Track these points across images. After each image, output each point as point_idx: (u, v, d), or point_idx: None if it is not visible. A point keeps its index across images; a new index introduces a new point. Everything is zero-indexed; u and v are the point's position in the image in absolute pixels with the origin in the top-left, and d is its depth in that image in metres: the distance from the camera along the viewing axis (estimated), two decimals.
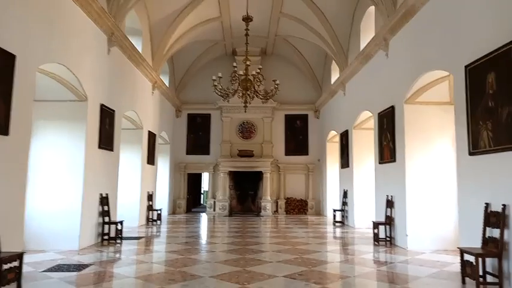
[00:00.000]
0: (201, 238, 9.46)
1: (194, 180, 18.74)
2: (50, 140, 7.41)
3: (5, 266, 4.33)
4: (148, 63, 11.53)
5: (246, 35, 9.91)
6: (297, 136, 16.75)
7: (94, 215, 8.04)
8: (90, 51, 7.74)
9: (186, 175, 16.67)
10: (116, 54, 9.13)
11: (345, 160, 12.21)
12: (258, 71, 9.43)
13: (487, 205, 4.97)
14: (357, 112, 11.01)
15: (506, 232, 4.63)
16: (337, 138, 13.43)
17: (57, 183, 7.32)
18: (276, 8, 12.60)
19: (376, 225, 8.22)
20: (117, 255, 7.01)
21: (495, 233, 4.79)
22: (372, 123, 9.80)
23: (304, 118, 16.84)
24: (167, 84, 14.71)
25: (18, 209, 5.40)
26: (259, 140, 16.32)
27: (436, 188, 7.49)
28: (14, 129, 5.14)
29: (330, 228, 11.37)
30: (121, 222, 8.47)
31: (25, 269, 5.40)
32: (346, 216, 11.96)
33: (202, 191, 22.78)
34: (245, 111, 11.04)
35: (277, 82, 9.89)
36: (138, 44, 10.88)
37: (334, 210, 12.28)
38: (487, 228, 4.93)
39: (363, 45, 10.48)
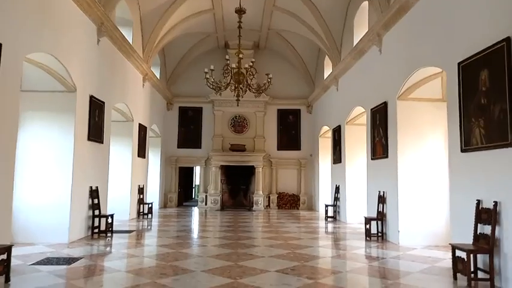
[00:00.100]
0: (193, 232, 9.42)
1: (186, 174, 18.64)
2: (38, 131, 7.27)
3: None
4: (139, 55, 11.37)
5: (239, 27, 9.81)
6: (290, 131, 16.73)
7: (84, 208, 7.93)
8: (79, 41, 7.58)
9: (178, 169, 16.56)
10: (105, 45, 8.97)
11: (337, 155, 12.23)
12: (251, 64, 9.36)
13: (479, 202, 5.00)
14: (349, 107, 11.01)
15: (497, 229, 4.66)
16: (330, 134, 13.44)
17: (46, 176, 7.19)
18: (269, 1, 12.49)
19: (368, 220, 8.26)
20: (108, 249, 6.94)
21: (486, 229, 4.82)
22: (365, 119, 9.81)
23: (296, 113, 16.82)
24: (158, 77, 14.54)
25: (5, 201, 5.28)
26: (252, 134, 16.27)
27: (427, 184, 7.53)
28: (0, 120, 5.00)
29: (322, 223, 11.40)
30: (111, 216, 8.37)
31: (13, 262, 5.30)
32: (338, 212, 12.01)
33: (194, 185, 22.69)
34: (237, 105, 10.99)
35: (270, 76, 9.83)
36: (128, 35, 10.70)
37: (326, 206, 12.32)
38: (479, 225, 4.97)
39: (356, 40, 10.45)
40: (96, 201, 8.35)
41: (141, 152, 12.37)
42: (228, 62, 9.33)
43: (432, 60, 6.53)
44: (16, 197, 6.81)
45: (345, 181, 11.38)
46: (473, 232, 5.01)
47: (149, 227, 10.08)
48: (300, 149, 16.62)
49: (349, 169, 11.35)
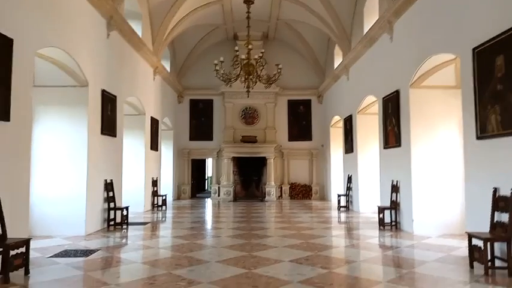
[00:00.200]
0: (207, 223, 9.50)
1: (198, 166, 18.75)
2: (52, 126, 7.37)
3: (12, 252, 4.34)
4: (149, 48, 11.39)
5: (248, 18, 9.73)
6: (300, 121, 16.65)
7: (99, 200, 8.06)
8: (89, 35, 7.62)
9: (190, 161, 16.66)
10: (115, 38, 9.00)
11: (349, 145, 12.14)
12: (261, 55, 9.30)
13: (496, 190, 4.91)
14: (360, 97, 10.88)
15: None
16: (341, 123, 13.34)
17: (61, 170, 7.31)
18: None
19: (381, 209, 8.21)
20: (124, 241, 7.05)
21: (503, 217, 4.75)
22: (376, 108, 9.69)
23: (307, 103, 16.71)
24: (168, 70, 14.58)
25: (22, 195, 5.39)
26: (262, 125, 16.24)
27: (441, 172, 7.43)
28: (15, 115, 5.08)
29: (334, 213, 11.39)
30: (126, 208, 8.49)
31: (32, 254, 5.42)
32: (351, 201, 11.96)
33: (206, 177, 22.83)
34: (247, 96, 10.97)
35: (280, 66, 9.76)
36: (137, 28, 10.72)
37: (339, 195, 12.27)
38: (496, 213, 4.89)
39: (366, 28, 10.28)
40: (111, 194, 8.47)
41: (154, 145, 12.48)
42: (237, 53, 9.29)
43: (445, 47, 6.39)
44: (33, 191, 6.98)
45: (357, 171, 11.31)
46: (490, 220, 4.93)
47: (164, 219, 10.20)
48: (311, 140, 16.54)
49: (361, 159, 11.27)
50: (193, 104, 16.75)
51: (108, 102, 8.43)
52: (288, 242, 6.57)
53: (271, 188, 15.52)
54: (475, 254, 4.78)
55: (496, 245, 4.84)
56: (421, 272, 4.67)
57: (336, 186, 14.39)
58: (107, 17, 8.34)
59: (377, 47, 9.58)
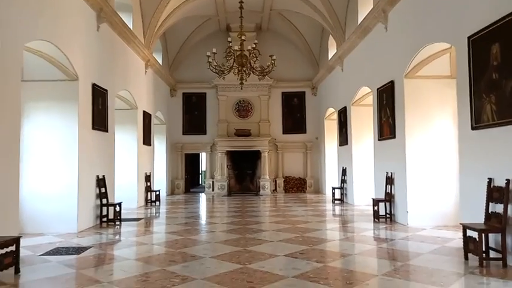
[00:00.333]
0: (201, 218, 9.44)
1: (192, 161, 18.65)
2: (42, 121, 7.23)
3: (1, 251, 4.25)
4: (140, 41, 11.21)
5: (241, 7, 9.55)
6: (295, 114, 16.57)
7: (91, 197, 7.95)
8: (78, 28, 7.45)
9: (184, 155, 16.55)
10: (105, 31, 8.82)
11: (344, 137, 12.10)
12: (254, 46, 9.17)
13: (490, 180, 4.89)
14: (355, 88, 10.82)
15: (510, 207, 4.56)
16: (335, 116, 13.29)
17: (52, 166, 7.19)
18: None
19: (376, 202, 8.19)
20: (117, 237, 6.97)
21: (498, 208, 4.73)
22: (371, 99, 9.64)
23: (301, 95, 16.62)
24: (160, 63, 14.38)
25: (12, 192, 5.27)
26: (256, 118, 16.15)
27: (436, 163, 7.42)
28: (3, 110, 4.95)
29: (329, 206, 11.38)
30: (119, 204, 8.39)
31: (23, 252, 5.34)
32: (345, 194, 11.96)
33: (200, 171, 22.74)
34: (241, 89, 10.86)
35: (274, 57, 9.64)
36: (128, 20, 10.53)
37: (333, 188, 12.26)
38: (490, 204, 4.87)
39: (360, 18, 10.18)
40: (103, 190, 8.36)
41: (147, 140, 12.35)
42: (230, 44, 9.15)
43: (440, 36, 6.33)
44: (24, 188, 6.87)
45: (352, 163, 11.29)
46: (484, 211, 4.91)
47: (157, 214, 10.13)
48: (305, 132, 16.49)
49: (356, 151, 11.24)
50: (186, 97, 16.59)
51: (99, 96, 8.29)
52: (282, 236, 6.53)
53: (265, 181, 15.47)
54: (469, 246, 4.77)
55: (491, 236, 4.84)
56: (416, 264, 4.65)
57: (331, 179, 14.38)
58: (97, 9, 8.16)
59: (371, 37, 9.50)
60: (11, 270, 4.42)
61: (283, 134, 16.43)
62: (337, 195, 12.11)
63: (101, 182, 8.32)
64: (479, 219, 4.97)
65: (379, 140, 8.96)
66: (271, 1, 13.65)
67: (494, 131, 4.86)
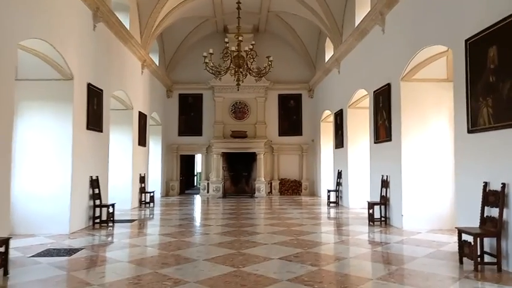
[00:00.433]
0: (195, 220, 9.36)
1: (187, 162, 18.57)
2: (36, 121, 7.14)
3: None
4: (137, 41, 11.14)
5: (238, 8, 9.52)
6: (291, 116, 16.54)
7: (84, 197, 7.86)
8: (74, 27, 7.38)
9: (179, 157, 16.46)
10: (102, 30, 8.75)
11: (339, 140, 12.08)
12: (251, 47, 9.13)
13: (486, 184, 4.87)
14: (351, 91, 10.81)
15: (505, 211, 4.54)
16: (332, 118, 13.27)
17: (45, 166, 7.10)
18: None
19: (371, 205, 8.16)
20: (109, 239, 6.89)
21: (493, 212, 4.71)
22: (367, 102, 9.63)
23: (297, 98, 16.60)
24: (157, 63, 14.32)
25: (3, 192, 5.18)
26: (253, 120, 16.10)
27: (431, 167, 7.40)
28: None
29: (324, 208, 11.34)
30: (113, 205, 8.31)
31: (13, 254, 5.25)
32: (341, 197, 11.93)
33: (195, 173, 22.65)
34: (238, 90, 10.82)
35: (271, 59, 9.61)
36: (125, 20, 10.46)
37: (329, 191, 12.23)
38: (486, 208, 4.85)
39: (358, 20, 10.18)
40: (96, 190, 8.27)
41: (142, 141, 12.27)
42: (227, 45, 9.11)
43: (437, 39, 6.32)
44: (16, 188, 6.80)
45: (347, 166, 11.26)
46: (480, 215, 4.89)
47: (151, 216, 10.04)
48: (301, 135, 16.46)
49: (352, 153, 11.22)
50: (183, 98, 16.52)
51: (94, 96, 8.21)
52: (277, 239, 6.47)
53: (261, 183, 15.42)
54: (465, 250, 4.74)
55: (486, 240, 4.81)
56: (411, 268, 4.61)
57: (326, 181, 14.35)
58: (93, 8, 8.09)
59: (368, 39, 9.49)
60: (0, 271, 4.34)
61: (279, 136, 16.40)
62: (333, 198, 12.08)
63: (94, 183, 8.23)
64: (475, 223, 4.95)
65: (375, 142, 8.94)
66: (268, 3, 13.64)
67: (491, 134, 4.84)
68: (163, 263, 4.96)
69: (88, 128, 7.92)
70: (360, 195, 10.74)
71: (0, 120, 5.05)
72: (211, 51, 8.90)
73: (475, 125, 5.14)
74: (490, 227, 4.70)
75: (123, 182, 10.95)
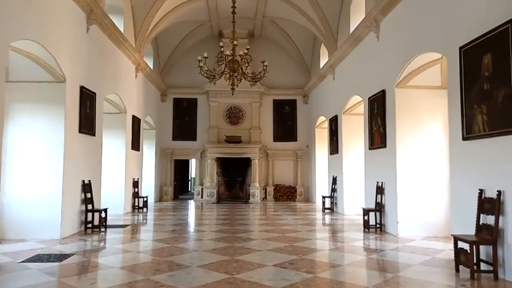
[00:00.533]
0: (189, 226, 9.26)
1: (181, 167, 18.44)
2: (27, 124, 7.03)
3: None
4: (131, 44, 11.07)
5: (233, 12, 9.48)
6: (286, 122, 16.53)
7: (76, 202, 7.74)
8: (67, 29, 7.30)
9: (173, 161, 16.35)
10: (95, 33, 8.68)
11: (334, 146, 12.07)
12: (246, 51, 9.11)
13: (481, 191, 4.86)
14: (346, 97, 10.82)
15: (501, 219, 4.53)
16: (326, 124, 13.27)
17: (36, 170, 6.98)
18: None
19: (366, 212, 8.13)
20: (101, 244, 6.77)
21: (489, 219, 4.69)
22: (362, 109, 9.64)
23: (292, 103, 16.60)
24: (151, 67, 14.25)
25: None
26: (247, 125, 16.06)
27: (426, 174, 7.39)
28: None
29: (319, 215, 11.29)
30: (105, 210, 8.19)
31: (2, 259, 5.15)
32: (336, 203, 11.90)
33: (189, 178, 22.51)
34: (232, 94, 10.77)
35: (266, 63, 9.59)
36: (119, 23, 10.40)
37: (323, 197, 12.18)
38: (481, 215, 4.83)
39: (353, 27, 10.23)
40: (88, 195, 8.15)
41: (135, 145, 12.16)
42: (222, 49, 9.07)
43: (432, 46, 6.35)
44: (6, 192, 6.67)
45: (342, 172, 11.24)
46: (475, 223, 4.87)
47: (144, 221, 9.92)
48: (296, 140, 16.44)
49: (346, 160, 11.21)
50: (177, 102, 16.44)
51: (87, 99, 8.12)
52: (272, 245, 6.41)
53: (255, 189, 15.35)
54: (460, 257, 4.72)
55: (482, 248, 4.79)
56: (407, 276, 4.57)
57: (321, 187, 14.32)
58: (87, 10, 8.03)
59: (363, 46, 9.53)
60: None
61: (274, 141, 16.37)
62: (327, 204, 12.04)
63: (86, 187, 8.12)
64: (470, 230, 4.93)
65: (369, 149, 8.94)
66: (264, 8, 13.66)
67: (486, 141, 4.84)
68: (156, 269, 4.87)
69: (80, 131, 7.82)
70: (354, 201, 10.71)
71: None
72: (206, 55, 8.85)
73: (469, 132, 5.15)
74: (486, 234, 4.68)
75: (116, 187, 10.82)
